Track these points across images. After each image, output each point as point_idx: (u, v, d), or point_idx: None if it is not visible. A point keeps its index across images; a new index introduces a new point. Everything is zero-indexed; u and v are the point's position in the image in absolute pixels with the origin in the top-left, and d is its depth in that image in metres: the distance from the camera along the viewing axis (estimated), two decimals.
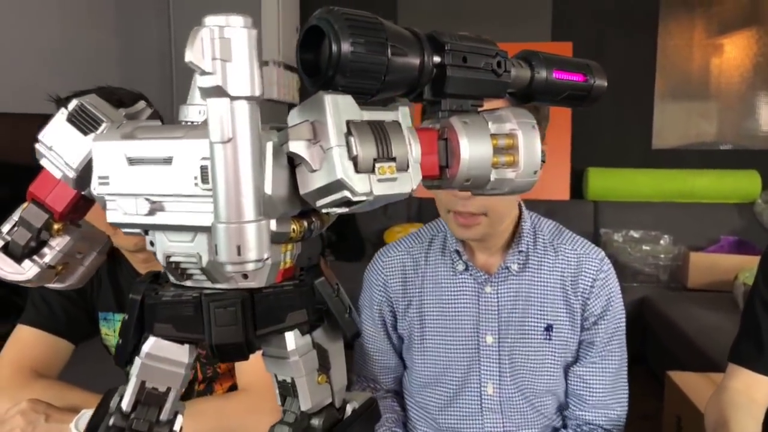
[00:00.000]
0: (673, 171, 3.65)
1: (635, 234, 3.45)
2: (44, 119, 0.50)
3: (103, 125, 0.46)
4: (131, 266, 1.10)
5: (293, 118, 0.39)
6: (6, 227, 0.54)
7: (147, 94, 0.89)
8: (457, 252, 1.10)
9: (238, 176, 0.34)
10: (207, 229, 0.38)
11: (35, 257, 0.54)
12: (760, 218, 3.42)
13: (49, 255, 0.55)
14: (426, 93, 0.45)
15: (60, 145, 0.49)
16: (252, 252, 0.35)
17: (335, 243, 3.72)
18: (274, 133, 0.39)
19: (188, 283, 0.45)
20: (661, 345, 2.82)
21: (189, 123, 0.44)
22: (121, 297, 1.12)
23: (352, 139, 0.36)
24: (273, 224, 0.40)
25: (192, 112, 0.44)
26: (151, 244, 0.44)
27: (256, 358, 0.47)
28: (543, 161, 0.55)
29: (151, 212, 0.40)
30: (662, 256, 3.34)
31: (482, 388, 1.09)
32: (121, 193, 0.41)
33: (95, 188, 0.42)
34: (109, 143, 0.41)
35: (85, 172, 0.48)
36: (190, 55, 0.32)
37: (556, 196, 3.63)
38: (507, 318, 1.08)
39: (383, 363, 1.20)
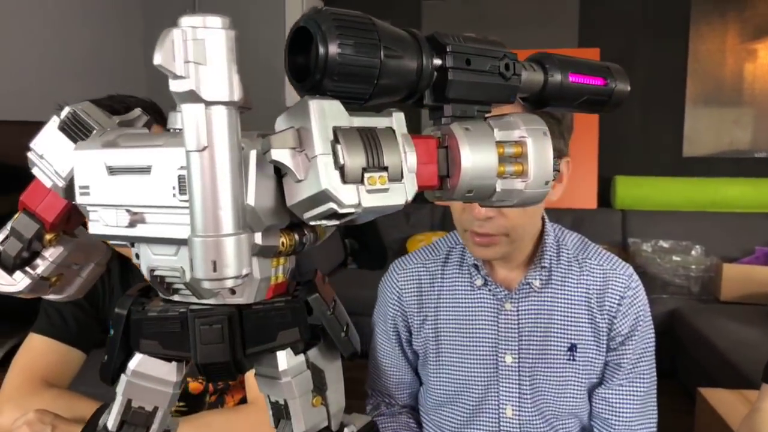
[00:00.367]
0: (705, 179, 3.55)
1: (665, 244, 3.35)
2: None
3: (94, 133, 0.45)
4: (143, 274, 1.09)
5: (279, 124, 0.37)
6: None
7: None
8: (476, 266, 1.06)
9: (215, 186, 0.32)
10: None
11: (27, 268, 0.53)
12: None
13: (41, 266, 0.53)
14: (427, 98, 0.42)
15: (50, 154, 0.48)
16: (230, 268, 0.32)
17: (357, 251, 3.71)
18: (260, 141, 0.36)
19: (176, 298, 0.43)
20: (692, 359, 2.73)
21: (176, 130, 0.42)
22: None
23: (339, 147, 0.33)
24: (258, 237, 0.38)
25: (180, 119, 0.42)
26: (137, 256, 0.43)
27: None
28: (557, 170, 0.51)
29: (132, 224, 0.38)
30: (693, 267, 3.23)
31: (501, 410, 1.04)
32: (102, 203, 0.39)
33: (77, 198, 0.40)
34: (90, 152, 0.39)
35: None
36: (159, 58, 0.29)
37: (583, 205, 3.55)
38: (528, 337, 1.03)
39: (398, 378, 1.17)
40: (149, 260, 0.41)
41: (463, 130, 0.40)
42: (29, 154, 0.49)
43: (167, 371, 0.44)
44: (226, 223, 0.32)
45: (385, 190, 0.34)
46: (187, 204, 0.35)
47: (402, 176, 0.36)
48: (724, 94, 3.67)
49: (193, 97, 0.31)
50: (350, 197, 0.33)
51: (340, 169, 0.33)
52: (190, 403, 1.10)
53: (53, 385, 0.99)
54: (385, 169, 0.35)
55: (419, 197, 0.44)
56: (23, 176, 0.51)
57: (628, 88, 0.52)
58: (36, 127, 0.48)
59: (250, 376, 1.00)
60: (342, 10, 0.35)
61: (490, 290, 1.05)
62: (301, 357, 0.45)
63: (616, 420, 1.03)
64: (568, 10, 3.79)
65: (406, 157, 0.36)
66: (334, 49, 0.33)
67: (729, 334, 2.51)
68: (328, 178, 0.33)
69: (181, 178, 0.35)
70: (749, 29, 3.60)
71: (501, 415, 1.04)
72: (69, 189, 0.47)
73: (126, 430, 0.45)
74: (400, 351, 1.15)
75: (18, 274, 0.52)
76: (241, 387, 1.14)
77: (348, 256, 3.73)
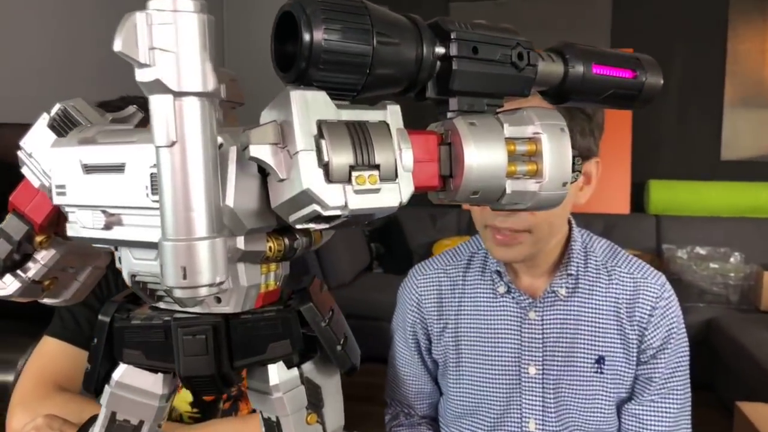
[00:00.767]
0: (745, 183, 3.41)
1: (702, 251, 3.23)
2: None
3: (74, 130, 0.42)
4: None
5: (264, 118, 0.33)
6: None
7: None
8: (498, 272, 1.01)
9: (186, 186, 0.29)
10: None
11: (19, 271, 0.51)
12: None
13: (33, 269, 0.51)
14: (429, 90, 0.38)
15: (39, 152, 0.46)
16: (202, 275, 0.29)
17: (383, 255, 3.67)
18: (245, 135, 0.33)
19: (161, 305, 0.41)
20: (731, 372, 2.62)
21: None
22: None
23: (323, 143, 0.30)
24: (240, 242, 0.35)
25: None
26: (119, 260, 0.40)
27: None
28: (578, 171, 0.47)
29: (108, 226, 0.36)
30: (732, 275, 3.10)
31: (523, 424, 0.99)
32: (78, 204, 0.37)
33: (53, 199, 0.38)
34: (65, 149, 0.37)
35: None
36: (119, 44, 0.27)
37: (615, 210, 3.45)
38: (553, 347, 0.98)
39: (417, 388, 1.13)
40: (130, 265, 0.38)
41: (468, 125, 0.36)
42: (19, 153, 0.47)
43: (152, 383, 0.42)
44: (199, 225, 0.29)
45: (376, 191, 0.31)
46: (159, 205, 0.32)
47: (396, 175, 0.32)
48: (765, 95, 3.52)
49: (159, 87, 0.28)
50: (335, 198, 0.30)
51: (324, 166, 0.30)
52: (203, 410, 1.08)
53: (65, 389, 0.98)
54: (376, 167, 0.31)
55: (417, 198, 0.41)
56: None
57: (661, 82, 0.48)
58: None
59: None
60: None
61: (513, 298, 1.01)
62: (295, 371, 0.42)
63: None
64: (600, 11, 3.70)
65: (401, 154, 0.33)
66: (319, 35, 0.30)
67: None
68: (309, 177, 0.29)
69: (153, 176, 0.33)
70: None
71: (523, 428, 0.99)
72: None
73: None
74: (419, 359, 1.11)
75: (8, 277, 0.50)
76: None
77: (373, 260, 3.70)
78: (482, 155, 0.36)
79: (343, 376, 0.45)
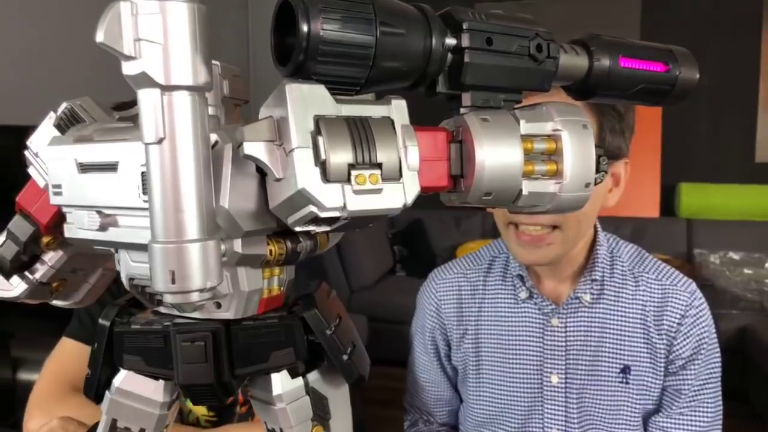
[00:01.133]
0: None
1: (735, 256, 3.14)
2: None
3: (73, 128, 0.41)
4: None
5: (262, 115, 0.32)
6: None
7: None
8: (521, 277, 0.98)
9: (177, 185, 0.27)
10: None
11: (26, 273, 0.50)
12: None
13: (40, 271, 0.50)
14: (440, 85, 0.36)
15: (44, 152, 0.45)
16: (193, 279, 0.28)
17: (406, 258, 3.65)
18: (240, 132, 0.32)
19: (162, 310, 0.39)
20: (765, 381, 2.52)
21: None
22: None
23: (320, 139, 0.28)
24: (237, 245, 0.33)
25: None
26: (118, 263, 0.39)
27: None
28: (604, 171, 0.44)
29: (103, 227, 0.34)
30: (767, 280, 3.00)
31: None
32: (74, 204, 0.36)
33: (51, 199, 0.37)
34: (61, 147, 0.36)
35: None
36: (101, 35, 0.25)
37: (644, 213, 3.37)
38: (576, 355, 0.94)
39: (436, 395, 1.10)
40: (128, 268, 0.37)
41: (480, 121, 0.33)
42: (25, 153, 0.47)
43: (153, 390, 0.40)
44: (190, 227, 0.28)
45: (378, 191, 0.29)
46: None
47: (400, 175, 0.30)
48: None
49: (146, 80, 0.26)
50: (332, 199, 0.28)
51: (321, 165, 0.28)
52: (220, 413, 1.08)
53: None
54: (378, 166, 0.29)
55: (440, 200, 0.39)
56: None
57: (697, 76, 0.44)
58: None
59: None
60: None
61: (535, 304, 0.97)
62: (300, 381, 0.40)
63: None
64: (629, 9, 3.63)
65: (407, 152, 0.30)
66: (317, 25, 0.28)
67: None
68: (305, 176, 0.27)
69: (144, 175, 0.31)
70: None
71: None
72: None
73: None
74: (438, 365, 1.09)
75: (15, 278, 0.50)
76: None
77: (396, 263, 3.68)
78: (495, 153, 0.33)
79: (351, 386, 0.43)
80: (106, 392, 0.41)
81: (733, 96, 3.47)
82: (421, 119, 0.35)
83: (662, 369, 0.93)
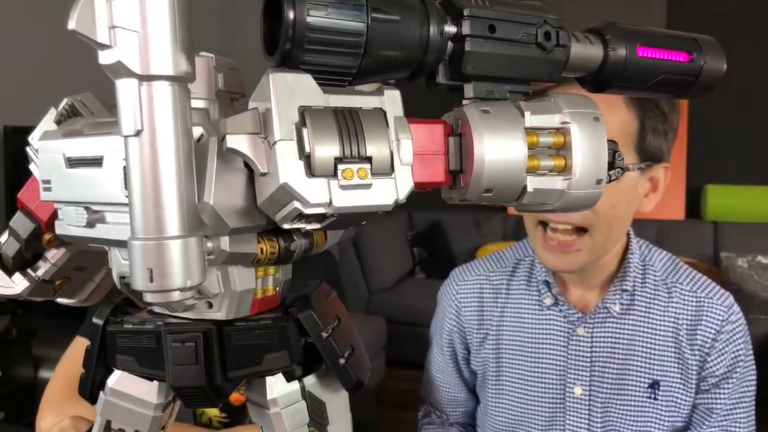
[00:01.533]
0: None
1: (764, 259, 3.05)
2: None
3: (65, 123, 0.40)
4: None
5: (249, 108, 0.30)
6: (3, 237, 0.50)
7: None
8: (546, 283, 0.93)
9: (156, 179, 0.26)
10: None
11: (29, 270, 0.50)
12: None
13: (42, 268, 0.50)
14: (441, 75, 0.34)
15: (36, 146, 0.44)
16: (172, 277, 0.26)
17: (425, 260, 3.63)
18: (223, 125, 0.30)
19: (155, 309, 0.38)
20: None
21: None
22: None
23: (305, 132, 0.26)
24: (225, 243, 0.32)
25: None
26: (110, 260, 0.38)
27: None
28: (620, 168, 0.42)
29: (90, 224, 0.34)
30: None
31: None
32: (62, 200, 0.35)
33: (41, 194, 0.36)
34: (51, 142, 0.35)
35: None
36: (73, 23, 0.24)
37: (669, 216, 3.29)
38: (602, 367, 0.90)
39: (450, 395, 1.08)
40: (119, 265, 0.36)
41: (480, 113, 0.32)
42: (27, 149, 0.46)
43: (147, 391, 0.39)
44: (170, 223, 0.26)
45: (367, 186, 0.27)
46: None
47: (392, 169, 0.28)
48: None
49: (122, 70, 0.25)
50: (317, 194, 0.26)
51: (306, 158, 0.26)
52: (231, 414, 1.07)
53: None
54: (368, 159, 0.27)
55: (442, 201, 0.37)
56: None
57: (724, 66, 0.41)
58: None
59: None
60: None
61: (561, 311, 0.93)
62: (296, 384, 0.39)
63: None
64: (655, 7, 3.56)
65: (399, 145, 0.29)
66: (303, 10, 0.27)
67: None
68: (288, 171, 0.26)
69: (125, 169, 0.30)
70: None
71: None
72: None
73: None
74: (453, 367, 1.06)
75: (17, 275, 0.49)
76: None
77: (416, 265, 3.66)
78: (495, 147, 0.31)
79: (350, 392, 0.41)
80: (101, 393, 0.40)
81: (762, 94, 3.38)
82: (427, 113, 0.33)
83: (693, 386, 0.88)
